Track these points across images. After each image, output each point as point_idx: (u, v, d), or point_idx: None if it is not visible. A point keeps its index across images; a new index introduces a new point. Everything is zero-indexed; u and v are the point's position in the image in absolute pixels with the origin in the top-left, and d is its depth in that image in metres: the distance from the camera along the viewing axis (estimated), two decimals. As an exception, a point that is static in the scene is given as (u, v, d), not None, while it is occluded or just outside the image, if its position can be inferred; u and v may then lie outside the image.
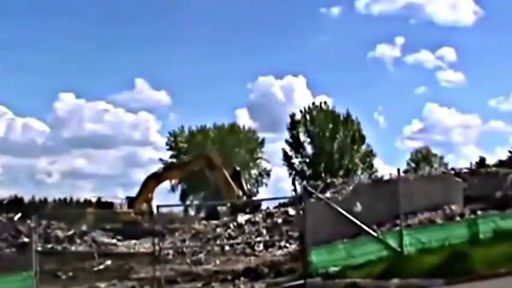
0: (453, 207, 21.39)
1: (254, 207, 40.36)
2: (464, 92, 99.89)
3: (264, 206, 37.78)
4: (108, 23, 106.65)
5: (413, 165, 78.92)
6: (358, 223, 18.46)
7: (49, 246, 29.11)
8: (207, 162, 48.11)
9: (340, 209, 18.95)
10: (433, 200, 21.34)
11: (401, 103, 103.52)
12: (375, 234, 18.24)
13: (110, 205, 43.27)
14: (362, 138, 75.11)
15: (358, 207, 19.69)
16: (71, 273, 23.15)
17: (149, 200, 46.04)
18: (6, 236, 30.30)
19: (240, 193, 45.36)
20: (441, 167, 70.02)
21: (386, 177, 22.57)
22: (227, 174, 46.51)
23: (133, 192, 46.96)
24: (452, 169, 28.99)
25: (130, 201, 43.87)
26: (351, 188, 22.39)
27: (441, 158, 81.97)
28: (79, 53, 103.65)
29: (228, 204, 41.43)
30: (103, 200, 47.10)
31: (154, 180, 47.68)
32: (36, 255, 17.58)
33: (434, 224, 19.82)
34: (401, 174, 22.57)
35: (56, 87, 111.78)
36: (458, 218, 20.41)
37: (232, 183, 45.80)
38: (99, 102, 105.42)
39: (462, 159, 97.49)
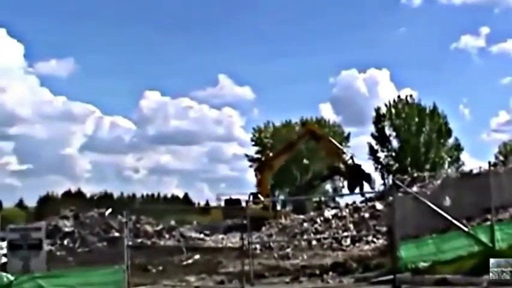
0: (546, 201, 20.82)
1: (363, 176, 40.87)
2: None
3: (349, 200, 37.54)
4: (191, 24, 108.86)
5: (501, 158, 76.69)
6: (448, 217, 18.10)
7: (139, 240, 29.75)
8: (312, 134, 48.08)
9: (429, 203, 18.63)
10: (525, 194, 20.83)
11: (487, 94, 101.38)
12: (465, 229, 17.86)
13: (237, 202, 43.86)
14: (448, 132, 73.67)
15: (447, 201, 19.36)
16: (160, 267, 23.58)
17: (269, 193, 46.49)
18: (98, 231, 31.22)
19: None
20: (532, 160, 67.92)
21: (475, 171, 22.11)
22: (334, 142, 46.50)
23: (218, 189, 47.27)
24: (545, 162, 28.18)
25: (255, 196, 44.12)
26: (438, 182, 22.04)
27: (531, 151, 79.42)
28: (164, 53, 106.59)
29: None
30: (229, 197, 46.96)
31: (268, 170, 47.44)
32: (128, 249, 17.96)
33: (527, 218, 19.34)
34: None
35: (142, 86, 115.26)
36: (552, 213, 19.85)
37: (341, 148, 45.94)
38: (183, 99, 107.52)
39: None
